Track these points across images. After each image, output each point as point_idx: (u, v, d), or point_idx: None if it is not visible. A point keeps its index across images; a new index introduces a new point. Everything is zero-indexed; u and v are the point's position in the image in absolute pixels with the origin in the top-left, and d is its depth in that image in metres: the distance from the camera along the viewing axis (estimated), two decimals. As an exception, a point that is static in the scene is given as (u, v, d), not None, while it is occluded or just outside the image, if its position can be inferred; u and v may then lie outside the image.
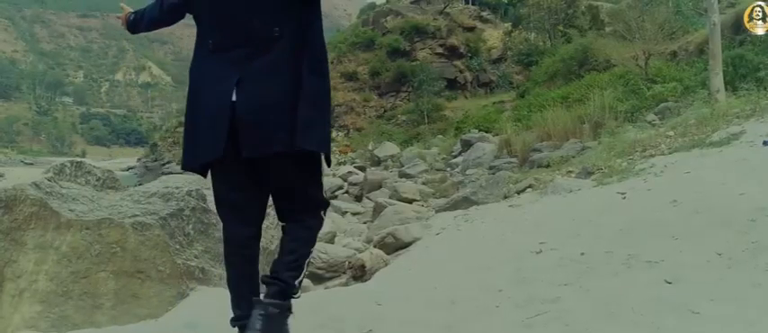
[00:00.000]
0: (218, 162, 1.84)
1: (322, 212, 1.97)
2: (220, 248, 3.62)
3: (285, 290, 1.87)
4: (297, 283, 1.91)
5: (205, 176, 1.98)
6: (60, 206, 3.32)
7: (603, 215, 3.73)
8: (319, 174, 1.94)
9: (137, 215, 3.40)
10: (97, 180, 3.73)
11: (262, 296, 1.92)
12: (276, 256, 2.00)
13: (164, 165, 44.64)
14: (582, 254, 3.00)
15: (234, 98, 1.75)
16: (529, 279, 2.69)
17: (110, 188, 3.76)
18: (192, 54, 1.91)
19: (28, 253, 3.24)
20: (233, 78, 1.76)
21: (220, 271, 3.65)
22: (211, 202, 3.72)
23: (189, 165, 1.94)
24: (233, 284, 1.96)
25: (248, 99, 1.74)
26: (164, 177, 4.30)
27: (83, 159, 3.71)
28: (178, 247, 3.46)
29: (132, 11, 2.11)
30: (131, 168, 61.24)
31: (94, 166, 3.76)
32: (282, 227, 2.00)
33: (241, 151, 1.76)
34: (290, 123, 1.74)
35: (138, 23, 2.11)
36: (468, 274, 3.05)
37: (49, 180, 3.43)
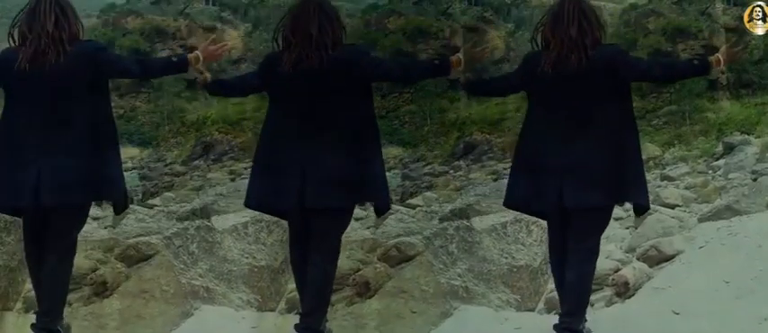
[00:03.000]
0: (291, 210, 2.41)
1: (336, 256, 2.49)
2: (225, 267, 3.67)
3: (317, 322, 2.39)
4: (323, 320, 2.43)
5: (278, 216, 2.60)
6: (65, 226, 3.32)
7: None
8: (344, 227, 2.50)
9: (141, 234, 3.43)
10: (101, 198, 3.73)
11: None
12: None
13: (167, 165, 44.81)
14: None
15: (304, 172, 2.27)
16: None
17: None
18: (267, 115, 2.45)
19: (33, 273, 3.25)
20: (301, 149, 2.28)
21: (225, 290, 3.67)
22: (215, 220, 3.76)
23: (253, 204, 2.52)
24: (298, 287, 2.54)
25: (313, 169, 2.27)
26: (167, 194, 4.32)
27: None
28: (182, 266, 3.48)
29: (210, 79, 2.58)
30: (134, 168, 61.43)
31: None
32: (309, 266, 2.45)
33: (305, 203, 2.30)
34: (342, 187, 2.28)
35: (217, 90, 2.69)
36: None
37: (53, 199, 3.44)
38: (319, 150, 2.28)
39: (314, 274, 2.37)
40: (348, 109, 2.31)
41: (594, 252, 2.38)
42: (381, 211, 2.58)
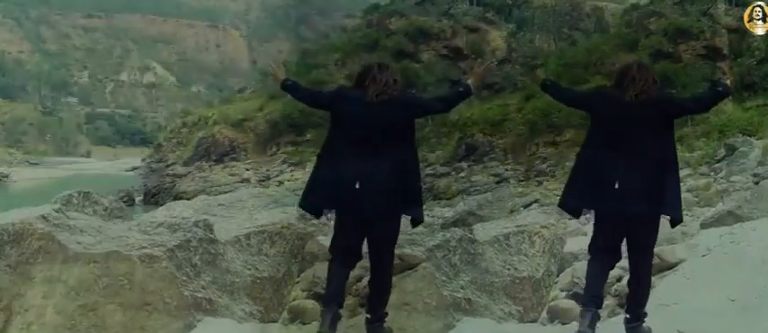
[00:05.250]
0: (345, 216, 2.98)
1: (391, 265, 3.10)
2: (227, 279, 3.66)
3: (381, 316, 3.10)
4: (384, 310, 3.10)
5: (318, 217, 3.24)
6: (68, 239, 3.33)
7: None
8: (396, 239, 3.06)
9: (144, 247, 3.41)
10: (104, 210, 3.74)
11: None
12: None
13: (168, 166, 44.61)
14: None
15: (357, 185, 2.84)
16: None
17: (117, 217, 3.77)
18: (328, 137, 3.03)
19: (35, 286, 3.25)
20: (364, 166, 2.84)
21: (227, 301, 3.66)
22: (218, 232, 3.75)
23: (310, 204, 3.08)
24: (326, 300, 3.10)
25: (368, 182, 2.84)
26: (170, 203, 4.30)
27: (89, 191, 3.73)
28: (185, 278, 3.46)
29: (285, 78, 3.16)
30: (136, 169, 61.25)
31: (101, 197, 3.77)
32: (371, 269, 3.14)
33: (356, 211, 2.88)
34: (394, 199, 2.86)
35: (292, 90, 3.17)
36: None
37: (56, 211, 3.44)
38: (372, 174, 2.85)
39: (379, 280, 3.05)
40: (399, 137, 2.94)
41: (650, 259, 2.96)
42: (417, 223, 3.11)
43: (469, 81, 3.06)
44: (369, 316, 3.09)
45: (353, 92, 3.00)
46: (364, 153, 2.85)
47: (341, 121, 2.99)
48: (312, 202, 3.03)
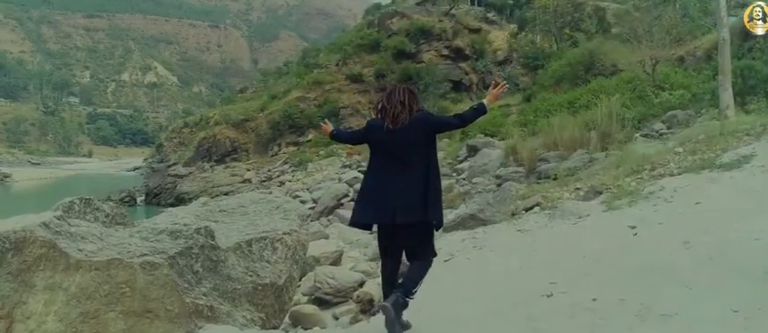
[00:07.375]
0: (384, 225, 3.34)
1: (432, 258, 3.40)
2: (228, 286, 3.66)
3: (407, 289, 3.24)
4: (414, 289, 3.28)
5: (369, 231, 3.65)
6: (69, 246, 3.31)
7: (614, 253, 3.70)
8: (432, 237, 3.37)
9: (145, 254, 3.39)
10: (106, 216, 3.72)
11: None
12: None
13: (170, 166, 44.59)
14: (594, 300, 2.98)
15: (395, 199, 3.21)
16: (540, 330, 2.66)
17: (118, 224, 3.75)
18: (370, 158, 3.45)
19: (37, 294, 3.23)
20: (395, 184, 3.24)
21: (229, 308, 3.65)
22: (219, 239, 3.74)
23: (360, 222, 3.40)
24: (383, 289, 3.46)
25: (402, 196, 3.22)
26: (172, 210, 4.28)
27: (90, 197, 3.70)
28: (186, 285, 3.45)
29: (332, 128, 3.72)
30: (137, 169, 61.26)
31: (102, 204, 3.75)
32: (409, 262, 3.36)
33: (395, 220, 3.21)
34: (422, 208, 3.20)
35: (337, 138, 3.72)
36: (479, 321, 3.03)
37: (57, 219, 3.43)
38: (405, 189, 3.20)
39: (415, 265, 3.30)
40: (421, 154, 3.26)
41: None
42: (437, 228, 3.40)
43: (485, 100, 3.36)
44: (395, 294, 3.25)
45: (378, 121, 3.40)
46: (396, 171, 3.25)
47: (374, 147, 3.42)
48: (360, 220, 3.38)
